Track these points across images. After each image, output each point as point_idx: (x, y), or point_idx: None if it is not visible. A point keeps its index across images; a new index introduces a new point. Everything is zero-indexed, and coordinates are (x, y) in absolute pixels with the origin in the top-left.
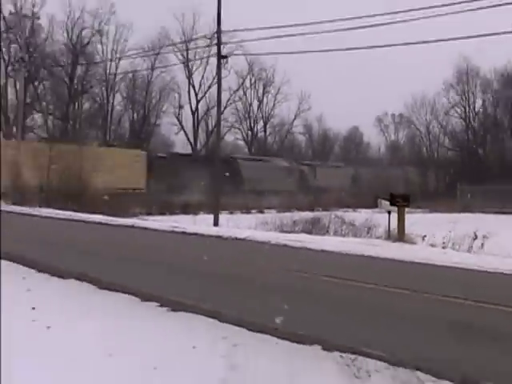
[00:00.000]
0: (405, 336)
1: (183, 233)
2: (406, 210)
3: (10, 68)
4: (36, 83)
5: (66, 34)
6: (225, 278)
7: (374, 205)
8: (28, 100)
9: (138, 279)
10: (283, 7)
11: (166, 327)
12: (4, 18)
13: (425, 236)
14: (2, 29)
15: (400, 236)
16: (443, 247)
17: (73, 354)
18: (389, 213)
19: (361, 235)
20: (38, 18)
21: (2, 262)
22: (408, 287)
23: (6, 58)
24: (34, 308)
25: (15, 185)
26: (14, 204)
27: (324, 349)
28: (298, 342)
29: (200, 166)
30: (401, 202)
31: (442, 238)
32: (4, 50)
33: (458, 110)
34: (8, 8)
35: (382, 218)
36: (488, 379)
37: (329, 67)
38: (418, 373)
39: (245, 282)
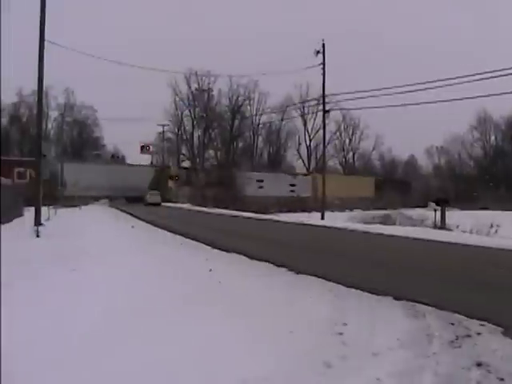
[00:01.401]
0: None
1: (301, 224)
2: (446, 208)
3: (195, 122)
4: (210, 131)
5: (228, 100)
6: (322, 251)
7: (424, 205)
8: (206, 141)
9: (273, 253)
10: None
11: (293, 282)
12: (192, 92)
13: (458, 225)
14: (190, 98)
15: (442, 225)
16: (470, 232)
17: (238, 300)
18: (435, 210)
19: (416, 225)
20: (212, 91)
21: (192, 241)
22: (446, 256)
23: (193, 116)
24: (210, 270)
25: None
26: (198, 206)
27: (394, 298)
28: (377, 294)
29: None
30: (442, 203)
31: (470, 226)
32: (191, 111)
33: (479, 143)
34: (194, 86)
35: (430, 214)
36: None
37: (396, 112)
38: (456, 315)
39: (333, 256)
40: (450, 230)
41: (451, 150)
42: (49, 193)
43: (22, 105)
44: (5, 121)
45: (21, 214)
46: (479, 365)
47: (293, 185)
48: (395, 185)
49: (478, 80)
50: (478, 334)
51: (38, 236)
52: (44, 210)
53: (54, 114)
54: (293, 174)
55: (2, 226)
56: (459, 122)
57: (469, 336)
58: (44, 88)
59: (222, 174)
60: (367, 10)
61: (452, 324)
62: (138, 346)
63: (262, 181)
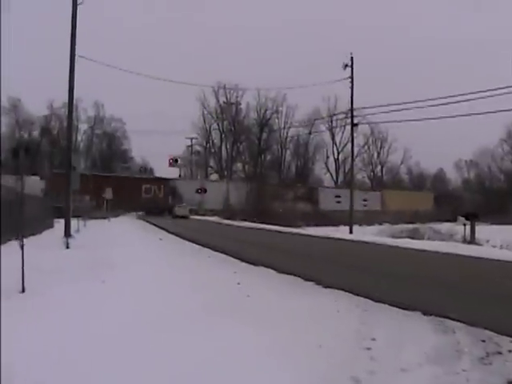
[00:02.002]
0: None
1: (328, 238)
2: (476, 222)
3: (223, 135)
4: (238, 144)
5: (256, 113)
6: (349, 265)
7: (453, 219)
8: (234, 154)
9: (301, 267)
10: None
11: (321, 296)
12: (220, 105)
13: (488, 240)
14: (218, 111)
15: (472, 240)
16: (500, 247)
17: (267, 313)
18: (464, 225)
19: (445, 240)
20: (240, 104)
21: (220, 254)
22: (476, 271)
23: (221, 129)
24: (239, 283)
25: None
26: (227, 219)
27: (423, 313)
28: (405, 309)
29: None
30: (472, 217)
31: (500, 241)
32: (220, 124)
33: (510, 156)
34: (222, 99)
35: (459, 228)
36: None
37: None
38: (487, 331)
39: (361, 270)
40: (479, 244)
41: (481, 163)
42: (165, 206)
43: (52, 117)
44: (36, 133)
45: (51, 226)
46: (511, 383)
47: (365, 200)
48: (449, 199)
49: (508, 93)
50: (510, 351)
51: (67, 247)
52: (73, 221)
53: (83, 126)
54: (364, 189)
55: (34, 238)
56: (489, 135)
57: (500, 353)
58: (74, 101)
59: (303, 189)
60: (394, 18)
61: (482, 340)
62: (167, 355)
63: (339, 196)
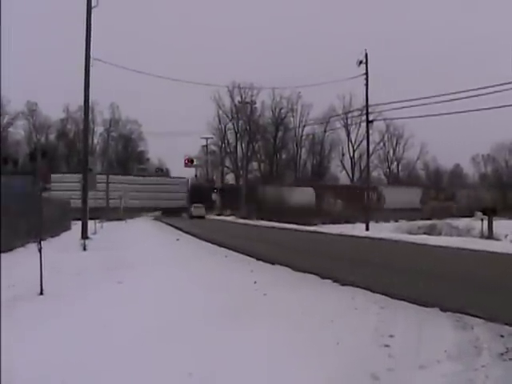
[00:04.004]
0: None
1: (344, 235)
2: (493, 218)
3: (238, 135)
4: (254, 143)
5: (271, 112)
6: (362, 262)
7: (471, 215)
8: (249, 154)
9: (318, 265)
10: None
11: (338, 294)
12: (235, 105)
13: (507, 235)
14: (234, 111)
15: (489, 235)
16: None
17: (284, 312)
18: (482, 220)
19: (462, 235)
20: (255, 103)
21: (236, 253)
22: (493, 266)
23: (236, 129)
24: (255, 282)
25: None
26: (242, 218)
27: (441, 310)
28: (423, 306)
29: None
30: (489, 212)
31: None
32: (235, 124)
33: None
34: (237, 99)
35: (476, 224)
36: None
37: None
38: (506, 326)
39: (380, 266)
40: (497, 239)
41: (498, 158)
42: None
43: (69, 121)
44: (53, 136)
45: (68, 228)
46: None
47: None
48: None
49: None
50: None
51: (84, 249)
52: (91, 223)
53: (99, 129)
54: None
55: (52, 240)
56: (506, 129)
57: None
58: (90, 103)
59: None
60: (408, 18)
61: (501, 336)
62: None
63: None
